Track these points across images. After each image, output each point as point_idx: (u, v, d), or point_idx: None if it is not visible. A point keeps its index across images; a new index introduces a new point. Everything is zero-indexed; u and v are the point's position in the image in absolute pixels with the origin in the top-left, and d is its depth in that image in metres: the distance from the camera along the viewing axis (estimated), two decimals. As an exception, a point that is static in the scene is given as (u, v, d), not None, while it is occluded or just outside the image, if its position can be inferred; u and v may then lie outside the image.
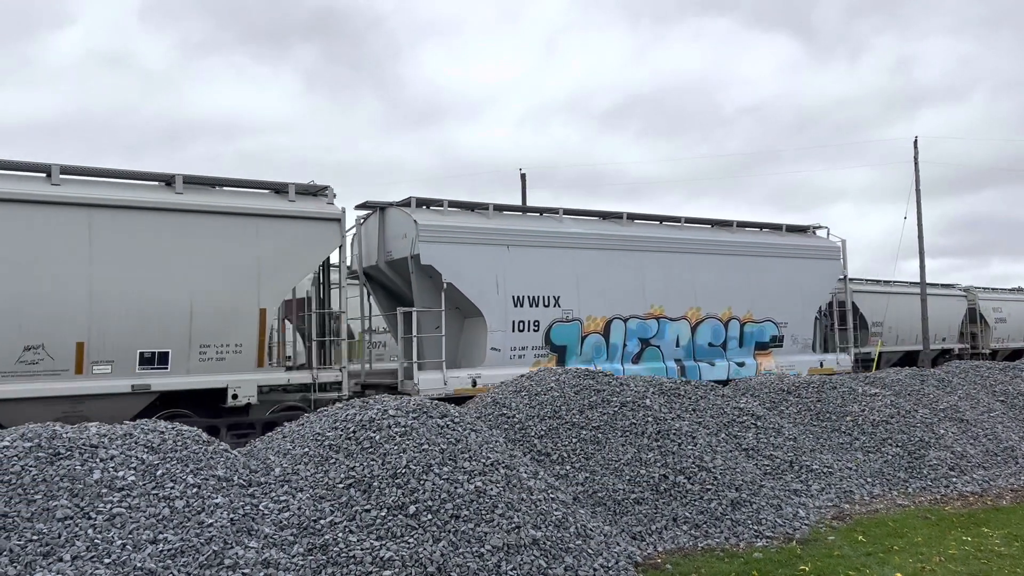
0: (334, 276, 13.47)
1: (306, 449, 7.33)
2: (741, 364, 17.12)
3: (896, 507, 9.50)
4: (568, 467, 8.63)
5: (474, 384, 13.85)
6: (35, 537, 5.48)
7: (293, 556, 5.85)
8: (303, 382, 12.19)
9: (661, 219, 17.40)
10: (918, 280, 30.21)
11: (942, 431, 11.67)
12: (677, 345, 16.44)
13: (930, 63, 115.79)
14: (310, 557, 5.89)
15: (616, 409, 9.57)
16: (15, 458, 6.12)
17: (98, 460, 6.30)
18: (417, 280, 14.02)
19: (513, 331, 14.57)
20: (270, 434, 8.38)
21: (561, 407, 9.53)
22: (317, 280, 13.54)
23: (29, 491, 5.85)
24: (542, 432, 9.14)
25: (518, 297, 14.72)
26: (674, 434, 9.28)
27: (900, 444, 11.11)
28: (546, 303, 14.99)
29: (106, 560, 5.40)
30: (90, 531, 5.62)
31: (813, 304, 18.82)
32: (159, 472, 6.35)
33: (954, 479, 10.58)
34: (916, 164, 30.98)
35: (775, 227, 18.95)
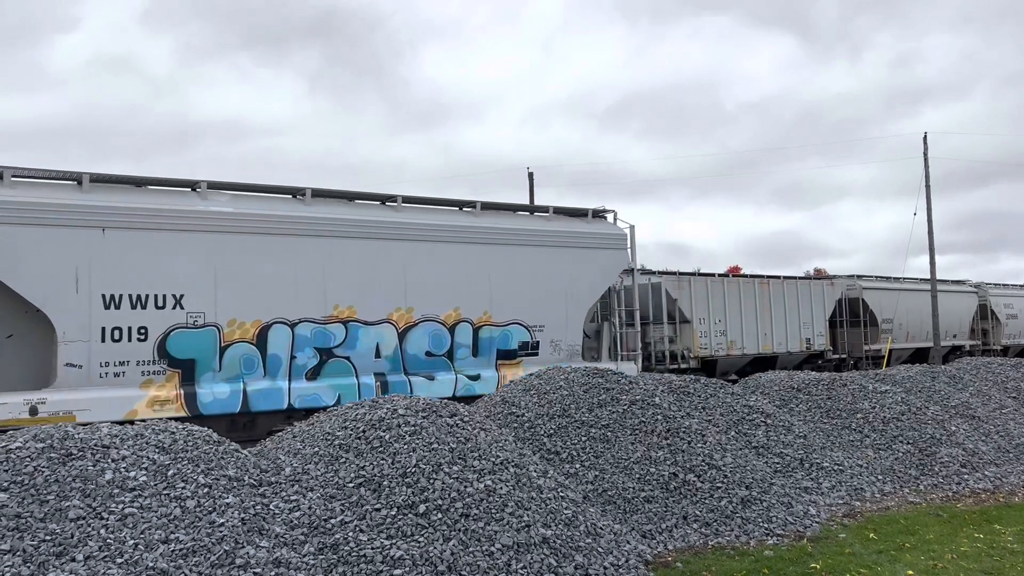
0: None
1: (316, 449, 7.35)
2: (475, 377, 13.98)
3: (907, 504, 9.47)
4: (578, 465, 8.63)
5: (34, 412, 10.65)
6: (48, 537, 5.52)
7: (304, 555, 5.87)
8: None
9: (353, 196, 13.93)
10: (928, 276, 30.08)
11: (953, 428, 11.61)
12: (377, 356, 13.17)
13: (931, 59, 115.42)
14: (321, 556, 5.91)
15: (625, 407, 9.56)
16: (28, 459, 6.16)
17: (110, 461, 6.33)
18: None
19: (104, 341, 11.27)
20: (280, 434, 8.41)
21: (570, 405, 9.53)
22: None
23: (42, 491, 5.88)
24: (551, 431, 9.14)
25: (113, 296, 11.37)
26: (684, 432, 9.27)
27: (911, 441, 11.06)
28: (159, 304, 11.66)
29: (118, 560, 5.43)
30: (102, 531, 5.65)
31: (584, 302, 15.54)
32: (170, 472, 6.37)
33: (966, 476, 10.53)
34: (926, 160, 30.83)
35: (539, 210, 15.96)
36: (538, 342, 14.89)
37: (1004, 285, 34.50)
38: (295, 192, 13.16)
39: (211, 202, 12.33)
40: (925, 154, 30.89)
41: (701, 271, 23.90)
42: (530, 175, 31.92)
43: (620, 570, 6.69)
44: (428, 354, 13.71)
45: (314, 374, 12.62)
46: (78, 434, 6.62)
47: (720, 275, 23.36)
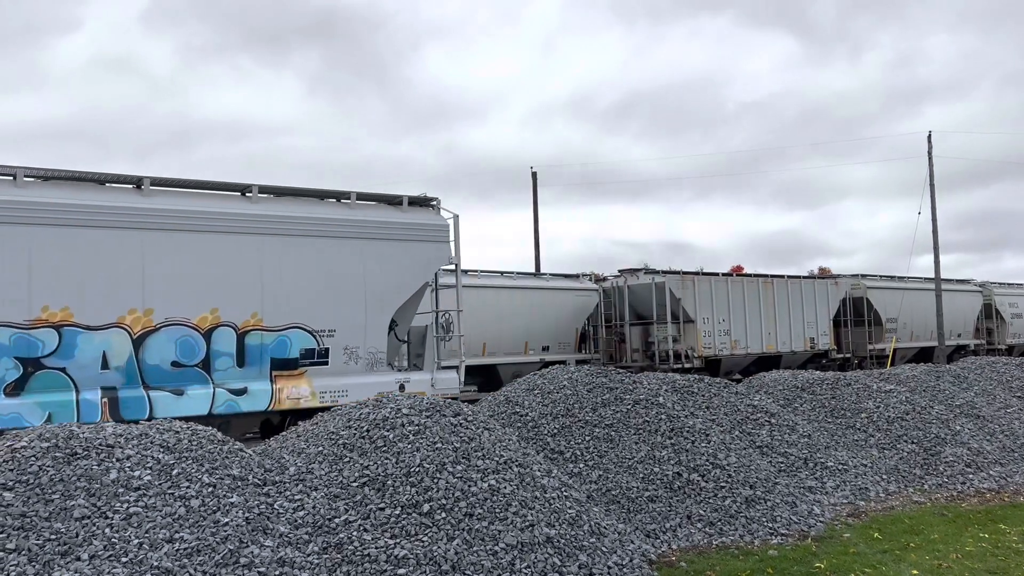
0: None
1: (320, 448, 7.36)
2: (241, 391, 11.59)
3: (912, 504, 9.45)
4: (581, 465, 8.63)
5: None
6: (53, 536, 5.53)
7: (308, 555, 5.88)
8: None
9: (90, 178, 11.36)
10: (932, 276, 30.02)
11: (958, 427, 11.59)
12: (105, 367, 10.92)
13: (932, 58, 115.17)
14: (325, 556, 5.91)
15: (629, 407, 9.56)
16: (33, 458, 6.17)
17: (114, 460, 6.34)
18: None
19: None
20: (284, 433, 8.42)
21: (574, 405, 9.53)
22: None
23: (47, 491, 5.90)
24: (555, 430, 9.14)
25: None
26: (688, 432, 9.26)
27: (916, 441, 11.04)
28: None
29: (123, 559, 5.45)
30: (107, 530, 5.67)
31: (389, 303, 13.27)
32: (175, 472, 6.39)
33: (970, 476, 10.51)
34: (930, 159, 30.77)
35: (339, 195, 13.29)
36: (327, 349, 12.42)
37: (1009, 284, 34.40)
38: (14, 174, 10.75)
39: None
40: (929, 153, 30.82)
41: (704, 271, 23.89)
42: (534, 174, 31.95)
43: (624, 569, 6.68)
44: (175, 364, 11.31)
45: (15, 389, 10.32)
46: (83, 433, 6.64)
47: (724, 274, 23.35)
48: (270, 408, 11.67)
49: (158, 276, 11.22)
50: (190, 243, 11.51)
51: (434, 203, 14.03)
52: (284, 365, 12.04)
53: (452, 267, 13.95)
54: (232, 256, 11.83)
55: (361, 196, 13.42)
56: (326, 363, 12.38)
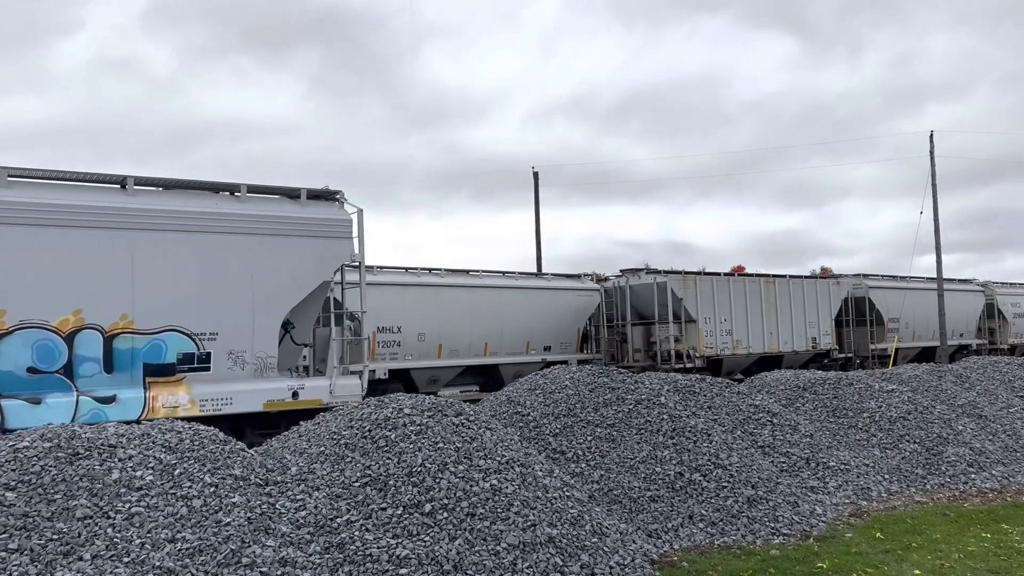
0: None
1: (322, 448, 7.36)
2: (108, 400, 10.87)
3: (914, 504, 9.44)
4: (583, 465, 8.63)
5: None
6: (55, 536, 5.54)
7: (310, 555, 5.88)
8: None
9: None
10: (934, 275, 29.99)
11: (960, 427, 11.58)
12: None
13: (931, 58, 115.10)
14: (327, 555, 5.92)
15: (631, 407, 9.55)
16: (35, 458, 6.18)
17: (116, 460, 6.35)
18: None
19: None
20: (286, 433, 8.43)
21: (576, 405, 9.53)
22: None
23: (49, 491, 5.91)
24: (557, 430, 9.14)
25: None
26: (689, 431, 9.26)
27: (918, 440, 11.04)
28: None
29: (125, 559, 5.45)
30: (109, 530, 5.67)
31: (281, 303, 12.32)
32: (177, 472, 6.39)
33: (973, 475, 10.50)
34: (932, 159, 30.74)
35: (228, 188, 12.33)
36: (209, 354, 11.59)
37: (1011, 284, 34.36)
38: None
39: None
40: (931, 152, 30.79)
41: (706, 271, 23.88)
42: (535, 174, 31.94)
43: (626, 569, 6.68)
44: (32, 370, 10.55)
45: None
46: (85, 434, 6.65)
47: (725, 274, 23.34)
48: (142, 418, 10.68)
49: (13, 275, 10.45)
50: (51, 239, 10.72)
51: (338, 196, 13.15)
52: (159, 371, 11.20)
53: (356, 264, 13.02)
54: (100, 253, 11.00)
55: (254, 189, 12.51)
56: (208, 369, 11.53)
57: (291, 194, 12.84)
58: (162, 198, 11.65)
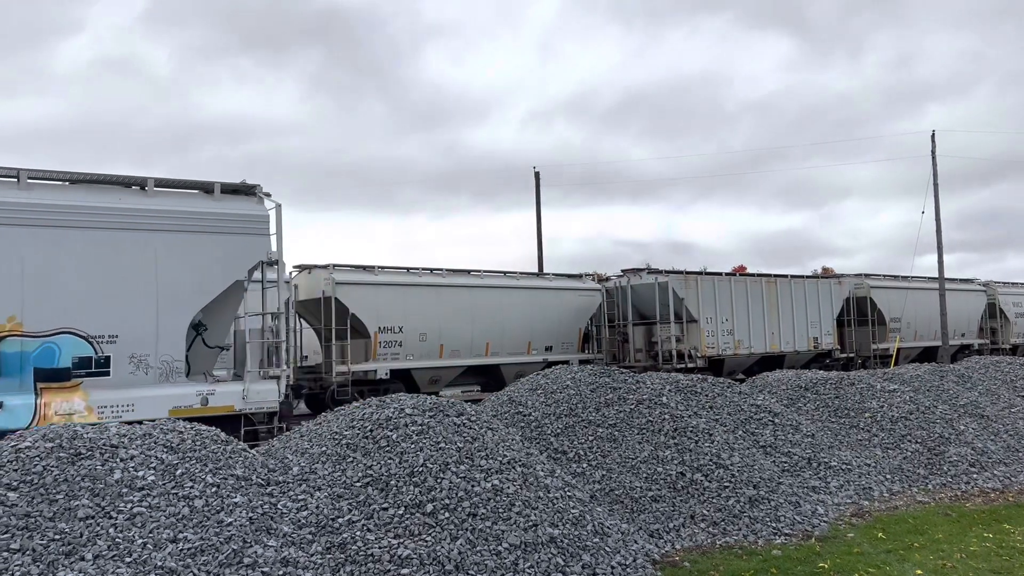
0: None
1: (324, 448, 7.37)
2: None
3: (916, 504, 9.44)
4: (585, 465, 8.63)
5: None
6: (57, 536, 5.54)
7: (312, 555, 5.88)
8: None
9: None
10: (936, 275, 29.96)
11: (962, 427, 11.57)
12: None
13: (932, 58, 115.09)
14: (328, 555, 5.92)
15: (633, 407, 9.55)
16: (37, 458, 6.19)
17: (118, 460, 6.35)
18: None
19: None
20: (288, 433, 8.43)
21: (577, 405, 9.53)
22: None
23: (51, 491, 5.91)
24: (558, 430, 9.14)
25: None
26: (691, 431, 9.26)
27: (919, 440, 11.03)
28: None
29: (127, 559, 5.46)
30: (111, 530, 5.68)
31: (189, 303, 11.58)
32: (178, 472, 6.40)
33: (975, 475, 10.49)
34: (934, 158, 30.70)
35: (136, 183, 11.66)
36: (108, 357, 10.88)
37: (1013, 284, 34.33)
38: None
39: None
40: (933, 152, 30.75)
41: (707, 270, 23.87)
42: (536, 174, 31.92)
43: (627, 569, 6.68)
44: None
45: None
46: (87, 434, 6.65)
47: (727, 274, 23.33)
48: (32, 426, 9.74)
49: None
50: None
51: (256, 191, 12.37)
52: (52, 376, 10.51)
53: (275, 262, 12.36)
54: None
55: (163, 183, 11.76)
56: (107, 373, 10.86)
57: (205, 188, 12.13)
58: (58, 192, 11.06)
